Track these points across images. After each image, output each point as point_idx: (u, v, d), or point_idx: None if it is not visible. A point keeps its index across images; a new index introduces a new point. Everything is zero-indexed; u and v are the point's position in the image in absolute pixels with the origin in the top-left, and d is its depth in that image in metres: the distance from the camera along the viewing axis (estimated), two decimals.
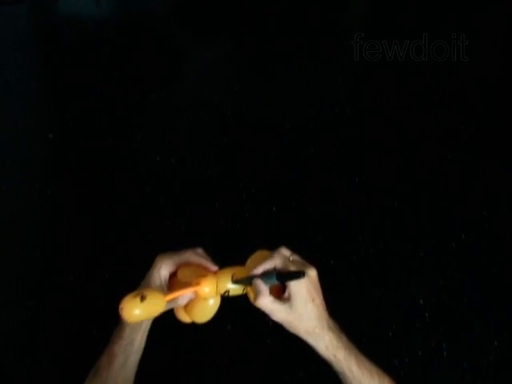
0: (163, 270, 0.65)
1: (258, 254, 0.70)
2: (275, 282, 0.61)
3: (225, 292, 0.67)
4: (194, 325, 0.76)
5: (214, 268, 0.67)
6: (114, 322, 0.71)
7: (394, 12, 2.22)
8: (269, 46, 2.05)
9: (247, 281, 0.65)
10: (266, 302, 0.61)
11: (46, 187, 1.49)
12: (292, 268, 0.62)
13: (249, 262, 0.70)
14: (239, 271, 0.68)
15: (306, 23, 2.15)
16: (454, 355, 1.14)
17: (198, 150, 1.59)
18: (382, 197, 1.45)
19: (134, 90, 1.81)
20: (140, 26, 2.15)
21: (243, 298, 0.70)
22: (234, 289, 0.67)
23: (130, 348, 0.66)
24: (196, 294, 0.64)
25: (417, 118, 1.72)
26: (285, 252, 0.64)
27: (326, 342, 0.62)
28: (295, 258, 0.64)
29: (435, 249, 1.34)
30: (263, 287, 0.62)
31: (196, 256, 0.67)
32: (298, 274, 0.60)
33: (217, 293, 0.66)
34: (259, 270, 0.63)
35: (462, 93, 1.82)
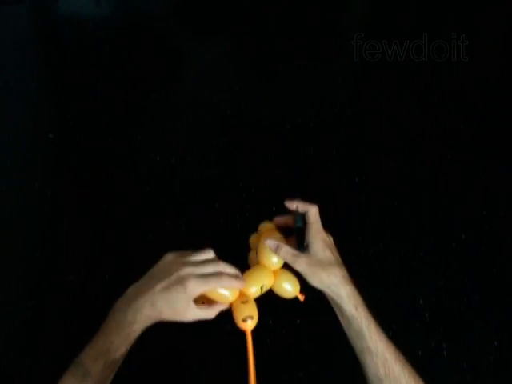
0: (192, 298, 0.63)
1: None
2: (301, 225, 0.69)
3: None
4: (193, 325, 0.76)
5: (242, 284, 0.67)
6: None
7: (394, 12, 2.22)
8: (269, 46, 2.05)
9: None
10: (288, 251, 0.66)
11: (45, 187, 1.48)
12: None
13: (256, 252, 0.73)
14: (260, 271, 0.71)
15: (306, 23, 2.15)
16: (454, 355, 1.14)
17: (198, 149, 1.59)
18: (382, 197, 1.45)
19: (134, 90, 1.81)
20: (140, 25, 2.15)
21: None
22: (265, 286, 0.71)
23: (122, 352, 0.66)
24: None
25: (417, 118, 1.72)
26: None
27: (347, 291, 0.65)
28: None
29: (435, 249, 1.34)
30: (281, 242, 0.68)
31: (225, 282, 0.65)
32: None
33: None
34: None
35: (462, 93, 1.82)
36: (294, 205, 0.73)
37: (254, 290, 0.69)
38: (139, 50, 2.01)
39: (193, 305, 0.63)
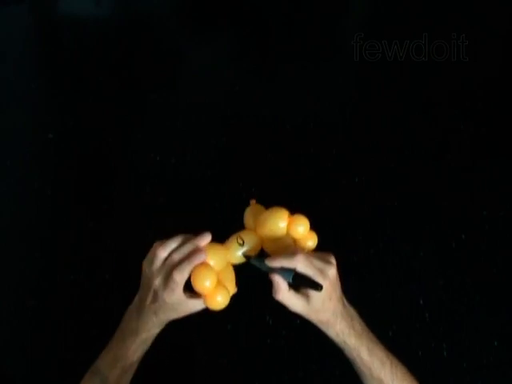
0: (180, 293, 0.63)
1: (256, 212, 0.72)
2: (289, 281, 0.62)
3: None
4: (192, 325, 0.76)
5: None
6: (114, 321, 0.71)
7: (393, 12, 2.22)
8: (269, 46, 2.05)
9: (258, 262, 0.65)
10: (285, 298, 0.63)
11: (45, 187, 1.48)
12: (312, 268, 0.62)
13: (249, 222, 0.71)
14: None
15: (306, 23, 2.15)
16: (454, 355, 1.14)
17: (198, 150, 1.59)
18: (382, 197, 1.45)
19: (134, 90, 1.81)
20: (140, 26, 2.15)
21: (244, 299, 0.70)
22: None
23: (139, 356, 0.66)
24: None
25: (417, 118, 1.72)
26: (304, 256, 0.64)
27: (336, 330, 0.65)
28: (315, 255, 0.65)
29: (435, 249, 1.34)
30: (282, 283, 0.62)
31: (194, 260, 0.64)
32: (316, 286, 0.61)
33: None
34: (277, 263, 0.63)
35: (462, 93, 1.82)
36: (276, 263, 0.63)
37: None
38: (139, 50, 2.01)
39: (188, 297, 0.63)
